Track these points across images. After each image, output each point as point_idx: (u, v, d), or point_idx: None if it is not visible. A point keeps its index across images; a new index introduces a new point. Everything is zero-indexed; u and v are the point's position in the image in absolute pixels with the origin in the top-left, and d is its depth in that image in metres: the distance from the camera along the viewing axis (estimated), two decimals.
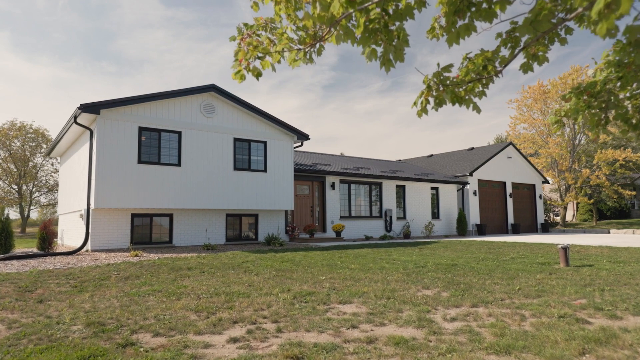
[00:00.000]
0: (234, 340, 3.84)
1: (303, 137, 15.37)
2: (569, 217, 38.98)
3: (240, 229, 14.48)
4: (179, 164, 12.64)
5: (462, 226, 20.33)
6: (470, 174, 21.93)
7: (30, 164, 33.28)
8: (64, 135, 13.60)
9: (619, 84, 2.36)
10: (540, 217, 25.91)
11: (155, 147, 12.31)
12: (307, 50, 2.14)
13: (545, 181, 26.70)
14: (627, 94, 2.42)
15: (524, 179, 25.27)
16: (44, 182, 34.60)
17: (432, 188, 21.07)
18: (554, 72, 69.56)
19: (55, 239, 11.84)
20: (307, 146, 77.56)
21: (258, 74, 2.30)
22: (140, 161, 11.96)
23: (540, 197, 26.11)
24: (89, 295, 5.87)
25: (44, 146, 33.01)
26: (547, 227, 25.36)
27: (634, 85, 2.37)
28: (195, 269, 8.17)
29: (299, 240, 15.19)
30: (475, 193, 22.16)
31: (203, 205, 13.00)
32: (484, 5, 2.02)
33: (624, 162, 27.79)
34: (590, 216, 35.03)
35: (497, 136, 58.45)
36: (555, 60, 64.06)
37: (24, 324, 4.46)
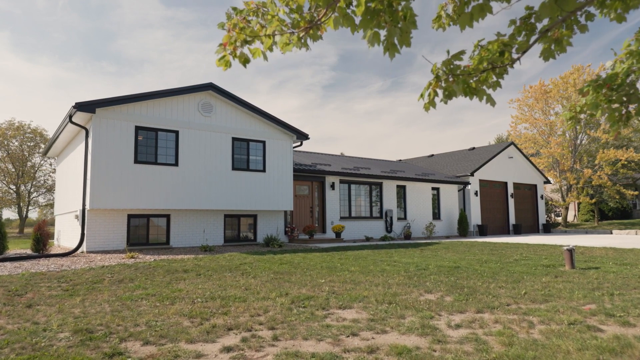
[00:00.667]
0: (228, 349, 3.65)
1: (302, 136, 15.17)
2: (570, 218, 38.78)
3: (239, 230, 14.28)
4: (176, 164, 12.44)
5: (463, 227, 20.13)
6: (472, 174, 21.73)
7: (29, 164, 33.09)
8: (59, 134, 13.40)
9: None
10: (542, 218, 25.71)
11: (152, 146, 12.11)
12: (301, 35, 1.94)
13: (547, 181, 26.50)
14: None
15: (525, 179, 25.07)
16: (42, 182, 34.41)
17: (433, 188, 20.87)
18: (554, 73, 69.39)
19: (50, 240, 11.66)
20: (306, 146, 77.39)
21: (245, 61, 2.08)
22: (136, 161, 11.76)
23: (541, 197, 25.91)
24: (80, 300, 5.67)
25: (42, 146, 32.81)
26: (548, 228, 25.16)
27: None
28: (191, 271, 7.97)
29: (299, 241, 14.99)
30: (476, 193, 21.96)
31: (201, 206, 12.80)
32: None
33: (626, 162, 27.58)
34: (591, 216, 34.82)
35: (498, 136, 58.26)
36: (555, 60, 63.81)
37: (9, 330, 4.26)
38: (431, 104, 2.18)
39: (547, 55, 2.03)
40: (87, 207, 11.13)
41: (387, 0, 1.67)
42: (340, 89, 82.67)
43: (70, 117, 11.21)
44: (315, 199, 16.84)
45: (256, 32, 1.95)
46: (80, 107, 10.70)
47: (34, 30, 57.64)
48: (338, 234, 16.10)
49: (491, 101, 2.16)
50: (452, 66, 2.10)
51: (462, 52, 2.09)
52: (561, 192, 30.66)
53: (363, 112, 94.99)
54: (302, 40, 1.95)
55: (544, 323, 4.26)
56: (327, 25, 1.85)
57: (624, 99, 2.19)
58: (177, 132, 12.56)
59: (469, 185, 21.75)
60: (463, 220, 20.17)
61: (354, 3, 1.74)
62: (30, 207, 36.44)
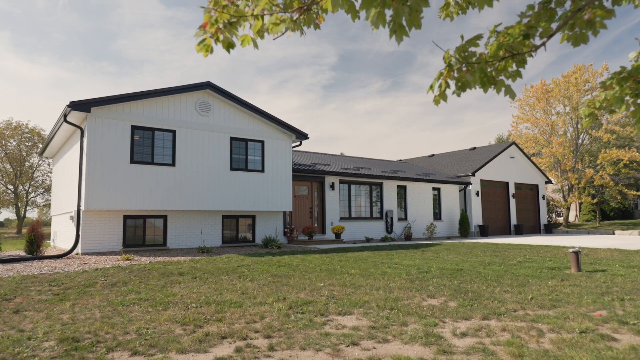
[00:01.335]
0: None
1: (302, 136, 14.96)
2: (571, 218, 38.57)
3: (237, 231, 14.07)
4: (173, 164, 12.23)
5: (464, 227, 19.92)
6: (473, 174, 21.52)
7: (27, 164, 32.87)
8: (55, 134, 13.19)
9: None
10: (543, 218, 25.50)
11: (148, 146, 11.90)
12: (295, 18, 1.73)
13: (549, 181, 26.29)
14: None
15: (526, 179, 24.87)
16: (40, 182, 34.19)
17: (433, 188, 20.66)
18: (554, 73, 69.18)
19: (46, 241, 11.45)
20: (306, 146, 77.16)
21: (229, 45, 1.86)
22: (132, 161, 11.55)
23: (543, 197, 25.71)
24: (69, 305, 5.46)
25: (40, 146, 32.59)
26: (550, 228, 24.95)
27: None
28: (187, 274, 7.77)
29: (298, 242, 14.78)
30: (477, 193, 21.75)
31: (198, 207, 12.59)
32: None
33: (628, 162, 27.37)
34: (593, 217, 34.61)
35: (498, 136, 58.05)
36: (555, 60, 63.67)
37: None
38: (442, 96, 1.96)
39: (576, 40, 1.80)
40: (82, 207, 10.92)
41: None
42: (340, 89, 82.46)
43: (65, 116, 11.00)
44: (314, 200, 16.63)
45: (241, 11, 1.73)
46: (75, 106, 10.49)
47: (34, 30, 57.47)
48: (338, 235, 15.90)
49: (510, 93, 1.94)
50: (466, 53, 1.88)
51: (479, 37, 1.86)
52: (562, 192, 30.46)
53: (363, 112, 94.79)
54: (296, 22, 1.74)
55: (554, 331, 4.05)
56: (325, 6, 1.63)
57: None
58: (174, 132, 12.35)
59: (470, 186, 21.54)
60: (464, 221, 19.96)
61: None
62: (28, 208, 36.24)
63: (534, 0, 1.94)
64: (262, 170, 14.04)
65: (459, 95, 1.95)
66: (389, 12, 1.47)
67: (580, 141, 29.98)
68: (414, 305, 5.18)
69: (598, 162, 27.76)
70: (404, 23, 1.52)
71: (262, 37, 1.89)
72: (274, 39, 1.79)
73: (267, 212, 14.60)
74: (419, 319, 4.54)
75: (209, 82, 12.78)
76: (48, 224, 34.79)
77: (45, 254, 11.27)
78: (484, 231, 21.02)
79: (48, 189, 34.29)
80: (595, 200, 29.34)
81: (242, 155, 13.69)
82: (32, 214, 42.30)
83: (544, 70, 70.42)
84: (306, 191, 16.42)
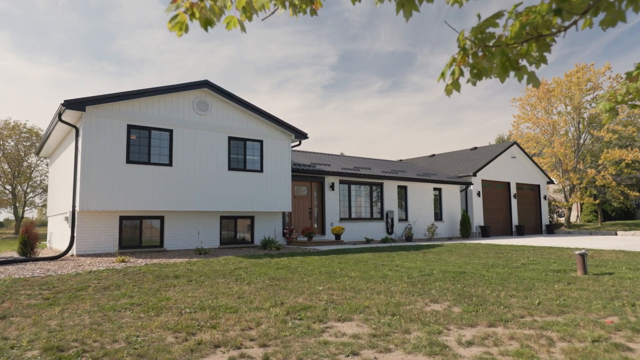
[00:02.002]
0: None
1: (301, 135, 14.76)
2: (572, 218, 38.35)
3: (235, 232, 13.87)
4: (170, 164, 12.02)
5: (465, 228, 19.71)
6: (474, 174, 21.31)
7: (25, 164, 32.66)
8: (50, 133, 12.99)
9: None
10: (545, 219, 25.29)
11: (144, 146, 11.70)
12: None
13: (550, 181, 26.09)
14: None
15: (528, 179, 24.66)
16: (38, 182, 33.99)
17: (434, 189, 20.44)
18: (554, 73, 68.95)
19: (42, 242, 11.24)
20: (306, 146, 76.95)
21: (207, 22, 1.65)
22: (129, 161, 11.35)
23: (544, 197, 25.50)
24: (59, 310, 5.26)
25: (38, 146, 32.40)
26: (552, 229, 24.74)
27: None
28: (182, 277, 7.56)
29: (297, 244, 14.57)
30: (479, 194, 21.55)
31: (196, 207, 12.39)
32: None
33: (630, 162, 27.15)
34: (594, 217, 34.39)
35: (499, 136, 57.84)
36: (555, 60, 63.46)
37: None
38: (454, 85, 1.75)
39: (614, 18, 1.57)
40: (77, 208, 10.72)
41: None
42: (341, 89, 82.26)
43: (60, 115, 10.80)
44: (314, 200, 16.43)
45: None
46: (70, 104, 10.29)
47: (34, 30, 57.28)
48: (338, 236, 15.69)
49: (534, 80, 1.73)
50: (483, 35, 1.67)
51: (499, 15, 1.63)
52: (564, 192, 30.24)
53: (363, 112, 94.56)
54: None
55: (564, 340, 3.85)
56: None
57: None
58: (171, 131, 12.15)
59: (472, 186, 21.33)
60: (465, 222, 19.75)
61: None
62: (26, 208, 36.04)
63: None
64: (261, 170, 13.84)
65: (474, 83, 1.74)
66: None
67: (581, 141, 29.77)
68: (417, 310, 4.98)
69: (600, 162, 27.55)
70: None
71: (249, 18, 1.69)
72: (262, 20, 1.59)
73: (266, 213, 14.39)
74: (422, 326, 4.33)
75: (206, 80, 12.57)
76: (45, 224, 34.61)
77: (40, 255, 11.07)
78: (485, 232, 20.81)
79: (46, 189, 34.08)
80: (597, 201, 29.14)
81: (241, 155, 13.48)
82: (30, 214, 42.12)
83: (544, 71, 70.15)
84: (306, 191, 16.22)
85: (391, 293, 6.01)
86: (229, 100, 13.18)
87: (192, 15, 1.64)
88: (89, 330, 4.35)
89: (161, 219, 12.37)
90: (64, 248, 12.21)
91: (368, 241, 16.67)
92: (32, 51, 61.02)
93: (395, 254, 11.38)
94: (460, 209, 21.27)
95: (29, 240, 10.21)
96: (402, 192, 19.25)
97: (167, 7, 1.65)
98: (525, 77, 1.69)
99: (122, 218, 11.69)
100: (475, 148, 26.69)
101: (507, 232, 23.10)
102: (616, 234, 22.66)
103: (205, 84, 12.61)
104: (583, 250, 7.45)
